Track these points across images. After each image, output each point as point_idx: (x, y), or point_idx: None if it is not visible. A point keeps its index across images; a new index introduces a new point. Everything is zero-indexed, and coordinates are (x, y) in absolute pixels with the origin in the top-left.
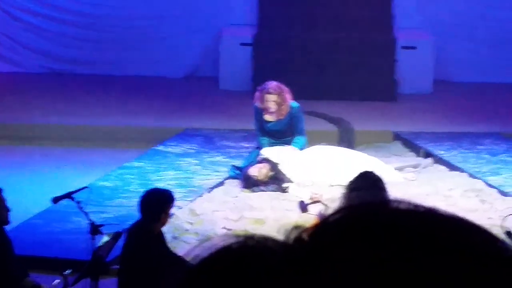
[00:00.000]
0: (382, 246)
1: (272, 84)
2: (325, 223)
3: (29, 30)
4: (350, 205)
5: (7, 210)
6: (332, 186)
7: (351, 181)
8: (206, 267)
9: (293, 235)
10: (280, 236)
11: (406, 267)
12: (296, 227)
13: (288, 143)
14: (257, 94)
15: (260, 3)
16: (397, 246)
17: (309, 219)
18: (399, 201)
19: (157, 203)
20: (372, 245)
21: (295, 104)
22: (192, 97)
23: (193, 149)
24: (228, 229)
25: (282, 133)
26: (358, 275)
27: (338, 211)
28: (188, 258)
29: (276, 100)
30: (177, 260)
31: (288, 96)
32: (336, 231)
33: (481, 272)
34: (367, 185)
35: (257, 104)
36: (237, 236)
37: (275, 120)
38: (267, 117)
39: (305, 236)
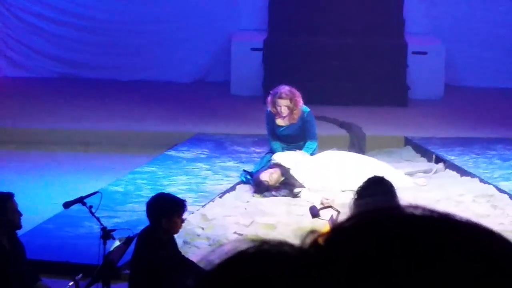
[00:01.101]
0: (397, 253)
1: (285, 89)
2: (342, 228)
3: (38, 35)
4: (366, 210)
5: (19, 214)
6: (343, 191)
7: (360, 186)
8: (222, 271)
9: (308, 240)
10: (294, 241)
11: (422, 274)
12: (312, 232)
13: (300, 147)
14: (269, 98)
15: (270, 8)
16: (412, 253)
17: (320, 224)
18: (414, 207)
19: (157, 208)
20: (388, 252)
21: (306, 109)
22: (203, 102)
23: (204, 154)
24: (240, 234)
25: (294, 138)
26: (374, 282)
27: (354, 216)
28: (202, 263)
29: (288, 105)
30: (189, 266)
31: (300, 100)
32: (352, 237)
33: (498, 279)
34: (377, 191)
35: (269, 108)
36: (252, 240)
37: (287, 125)
38: (279, 122)
39: (321, 241)
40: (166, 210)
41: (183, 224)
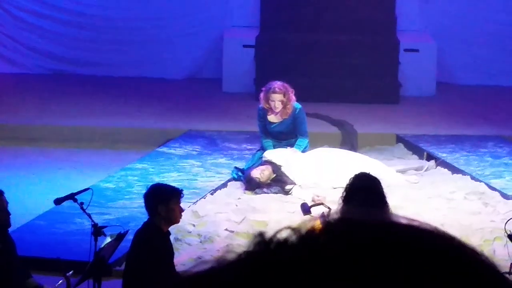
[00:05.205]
0: (366, 262)
1: (277, 84)
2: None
3: (31, 31)
4: (341, 220)
5: (7, 213)
6: (335, 188)
7: (348, 183)
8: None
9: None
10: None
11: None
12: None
13: (291, 145)
14: (262, 94)
15: (262, 5)
16: (379, 267)
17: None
18: (396, 217)
19: (152, 196)
20: (355, 261)
21: (298, 105)
22: (195, 99)
23: (196, 150)
24: (231, 231)
25: (285, 135)
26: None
27: (329, 226)
28: (197, 269)
29: (282, 99)
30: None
31: (292, 95)
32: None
33: None
34: (364, 186)
35: (262, 104)
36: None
37: (279, 121)
38: (271, 118)
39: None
40: (161, 196)
41: None
